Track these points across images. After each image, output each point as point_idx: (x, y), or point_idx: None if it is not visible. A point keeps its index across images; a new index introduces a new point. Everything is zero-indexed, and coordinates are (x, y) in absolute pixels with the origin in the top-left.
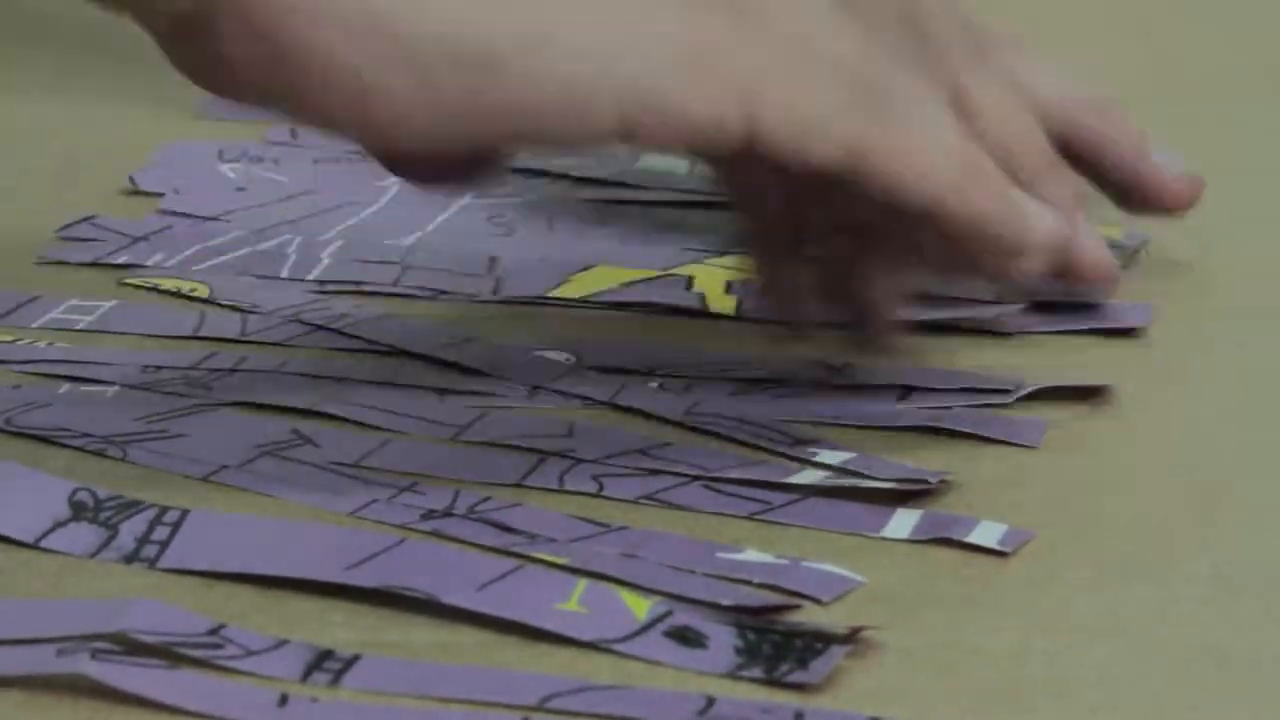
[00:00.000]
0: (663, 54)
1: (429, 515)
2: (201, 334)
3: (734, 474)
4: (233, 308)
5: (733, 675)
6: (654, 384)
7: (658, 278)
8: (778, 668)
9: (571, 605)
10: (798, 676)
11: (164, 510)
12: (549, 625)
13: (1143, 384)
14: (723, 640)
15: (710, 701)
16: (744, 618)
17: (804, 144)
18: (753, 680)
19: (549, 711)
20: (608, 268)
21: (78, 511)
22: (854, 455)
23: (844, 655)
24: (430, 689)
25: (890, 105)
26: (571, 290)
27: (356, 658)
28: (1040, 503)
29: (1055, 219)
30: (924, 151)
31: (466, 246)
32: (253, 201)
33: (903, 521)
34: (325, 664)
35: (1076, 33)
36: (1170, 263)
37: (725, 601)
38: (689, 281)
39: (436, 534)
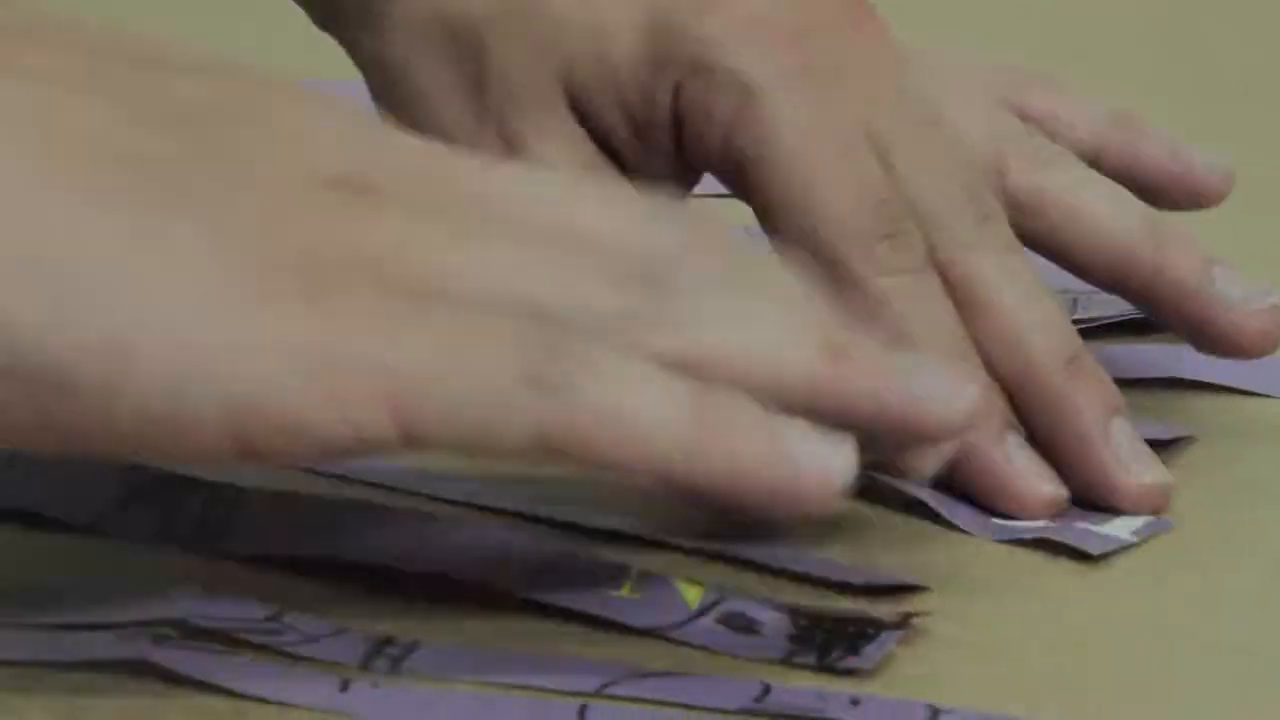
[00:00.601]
0: (281, 357)
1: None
2: None
3: None
4: None
5: (786, 662)
6: None
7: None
8: (830, 654)
9: (625, 592)
10: (851, 663)
11: (219, 489)
12: (604, 613)
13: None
14: (776, 627)
15: (766, 689)
16: (798, 604)
17: (480, 440)
18: (805, 667)
19: (607, 698)
20: None
21: (134, 494)
22: None
23: (896, 642)
24: (490, 675)
25: (581, 371)
26: None
27: (416, 644)
28: None
29: (840, 453)
30: (632, 417)
31: None
32: None
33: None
34: (385, 650)
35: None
36: None
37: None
38: None
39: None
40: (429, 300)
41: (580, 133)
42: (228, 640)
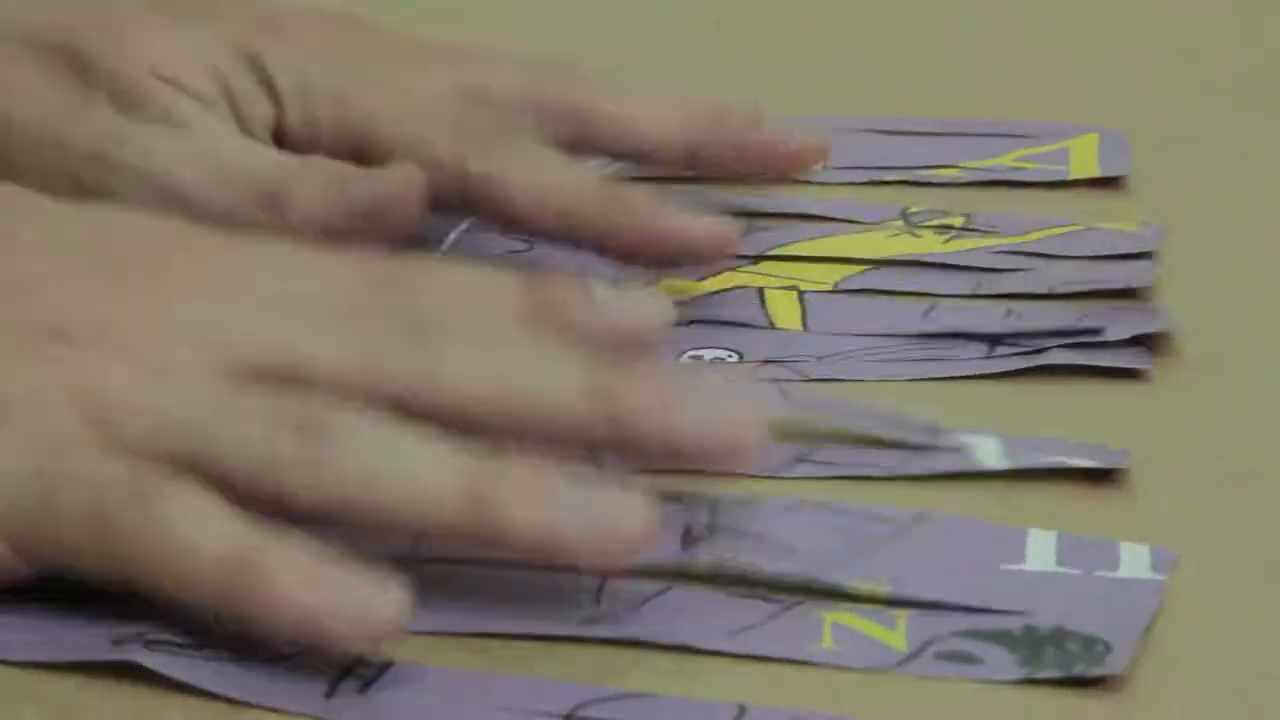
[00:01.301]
0: None
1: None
2: None
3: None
4: None
5: (1027, 680)
6: None
7: (722, 291)
8: (1073, 666)
9: (826, 644)
10: (1099, 670)
11: None
12: (816, 659)
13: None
14: (996, 655)
15: (742, 709)
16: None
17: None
18: (1049, 682)
19: None
20: (674, 283)
21: None
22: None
23: (1135, 647)
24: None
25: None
26: None
27: (389, 664)
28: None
29: (381, 599)
30: (179, 554)
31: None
32: None
33: (1042, 546)
34: (356, 671)
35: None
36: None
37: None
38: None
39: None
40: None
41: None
42: (217, 647)
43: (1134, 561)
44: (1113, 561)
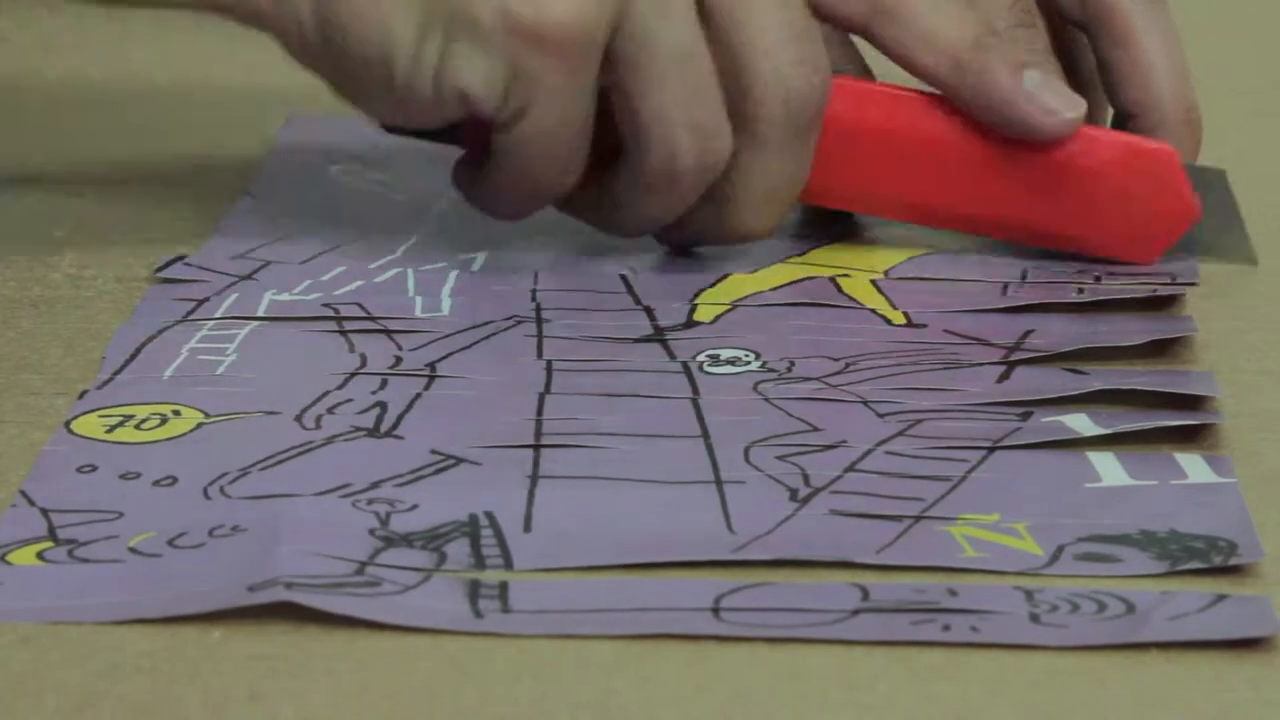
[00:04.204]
0: None
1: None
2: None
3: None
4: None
5: (1169, 574)
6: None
7: (801, 281)
8: (1210, 559)
9: (970, 553)
10: (1238, 560)
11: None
12: (972, 566)
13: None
14: (1131, 555)
15: (865, 592)
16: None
17: None
18: (1193, 573)
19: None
20: (741, 276)
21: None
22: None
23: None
24: (593, 604)
25: None
26: (722, 299)
27: (505, 585)
28: None
29: None
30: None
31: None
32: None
33: (1109, 464)
34: (482, 590)
35: None
36: None
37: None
38: (835, 283)
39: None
40: None
41: None
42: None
43: (1195, 469)
44: (1178, 471)
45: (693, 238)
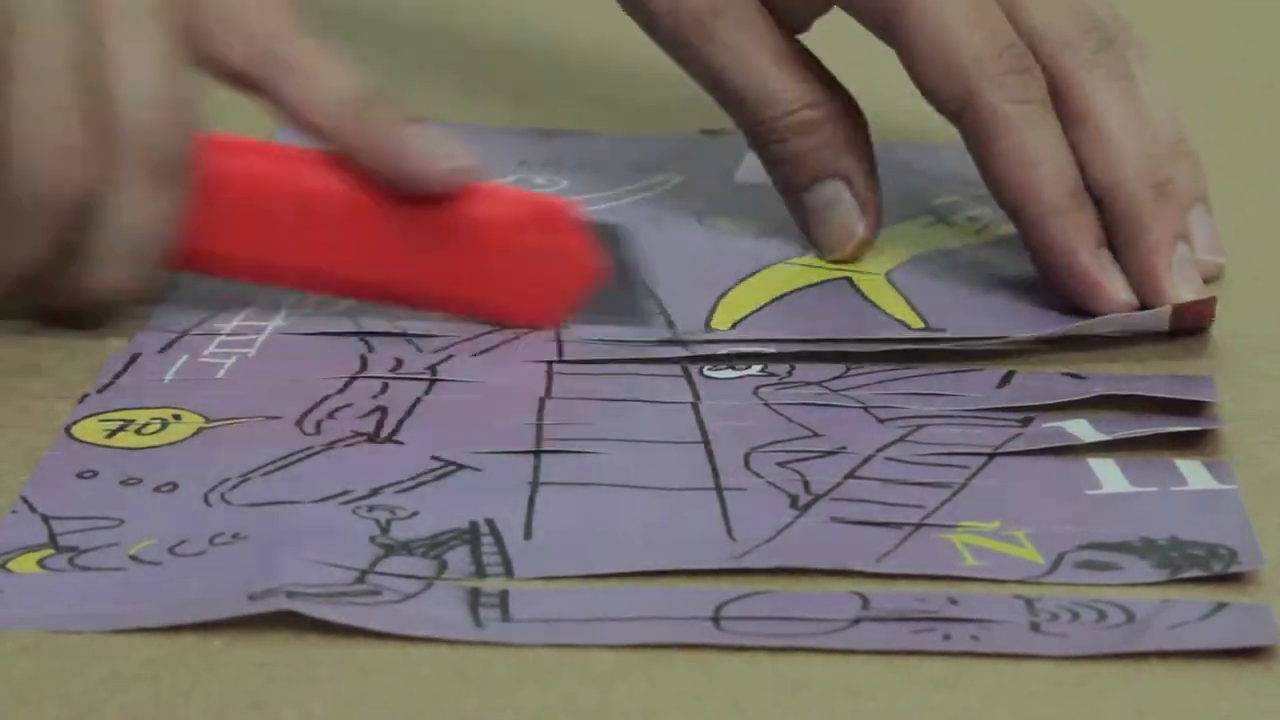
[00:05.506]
0: None
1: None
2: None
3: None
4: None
5: (1169, 582)
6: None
7: (818, 284)
8: (1210, 566)
9: (970, 562)
10: (1238, 568)
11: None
12: (973, 575)
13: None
14: (1130, 562)
15: (865, 600)
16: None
17: None
18: (1193, 580)
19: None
20: (756, 280)
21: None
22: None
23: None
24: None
25: None
26: (738, 308)
27: (505, 593)
28: None
29: None
30: None
31: None
32: None
33: (1109, 470)
34: (482, 598)
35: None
36: None
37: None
38: (851, 284)
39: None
40: None
41: None
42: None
43: (1196, 475)
44: (1178, 477)
45: (47, 295)
